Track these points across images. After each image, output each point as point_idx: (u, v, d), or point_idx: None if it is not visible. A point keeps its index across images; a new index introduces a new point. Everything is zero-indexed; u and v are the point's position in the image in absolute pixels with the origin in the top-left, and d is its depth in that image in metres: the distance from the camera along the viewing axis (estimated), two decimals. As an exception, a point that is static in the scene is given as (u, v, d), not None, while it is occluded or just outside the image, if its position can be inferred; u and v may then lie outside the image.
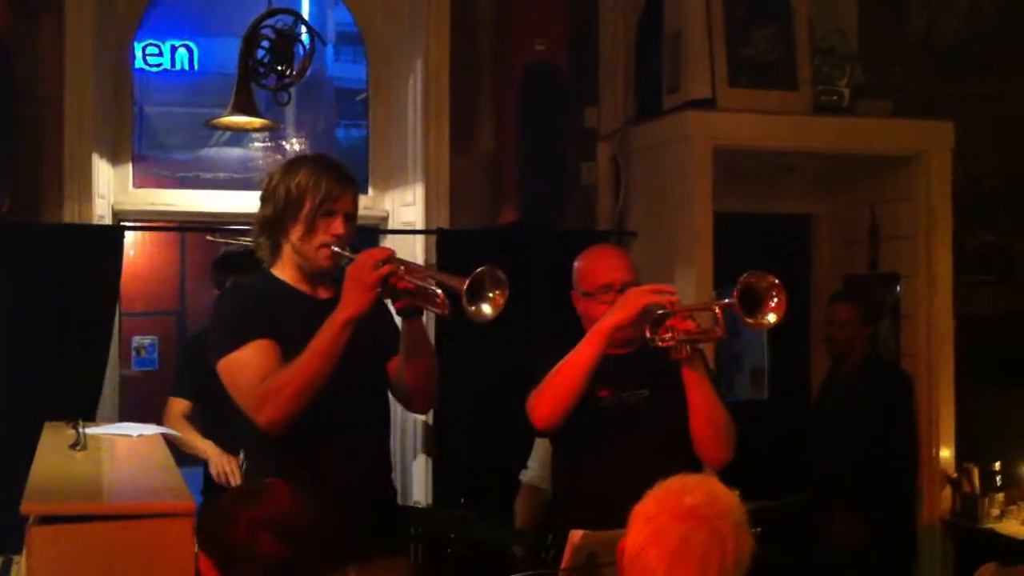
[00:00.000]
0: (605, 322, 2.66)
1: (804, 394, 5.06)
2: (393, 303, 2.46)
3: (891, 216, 4.81)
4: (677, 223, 4.43)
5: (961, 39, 5.11)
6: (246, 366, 2.42)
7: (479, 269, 2.32)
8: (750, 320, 2.55)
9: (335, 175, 2.56)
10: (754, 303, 2.55)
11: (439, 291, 2.37)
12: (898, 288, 4.75)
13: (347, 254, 2.48)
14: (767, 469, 3.94)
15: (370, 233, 4.70)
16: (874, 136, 4.62)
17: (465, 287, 2.27)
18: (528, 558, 3.24)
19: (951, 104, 4.80)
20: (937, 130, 4.63)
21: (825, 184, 5.11)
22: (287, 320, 2.48)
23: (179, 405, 4.06)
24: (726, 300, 2.57)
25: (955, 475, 4.56)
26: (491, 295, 2.33)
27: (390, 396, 2.72)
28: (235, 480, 3.81)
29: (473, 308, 2.30)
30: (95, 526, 2.03)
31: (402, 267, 2.41)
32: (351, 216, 2.58)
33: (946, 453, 4.60)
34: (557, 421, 2.67)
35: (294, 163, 2.60)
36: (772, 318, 2.56)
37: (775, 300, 2.55)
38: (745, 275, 2.55)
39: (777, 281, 2.55)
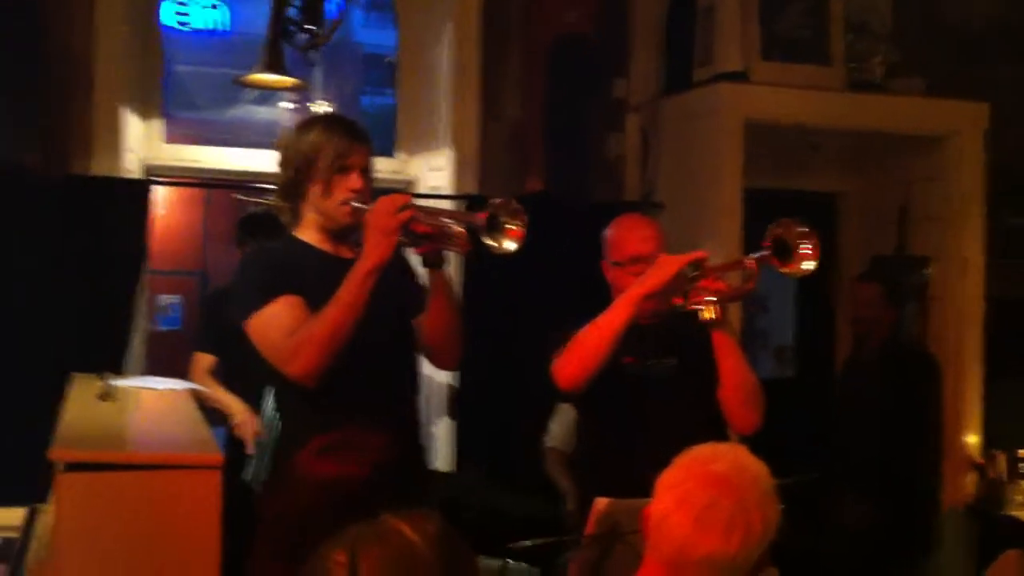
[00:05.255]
0: (638, 288, 2.64)
1: (829, 373, 5.04)
2: (415, 250, 2.46)
3: (921, 197, 4.77)
4: (705, 197, 4.40)
5: (997, 18, 5.05)
6: (274, 321, 2.43)
7: (494, 201, 2.31)
8: (785, 269, 2.52)
9: (346, 131, 2.56)
10: (786, 253, 2.53)
11: (459, 229, 2.36)
12: (926, 271, 4.72)
13: (367, 207, 2.49)
14: (790, 447, 3.92)
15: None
16: (907, 115, 4.58)
17: (484, 220, 2.27)
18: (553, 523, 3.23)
19: (986, 85, 4.74)
20: (971, 110, 4.59)
21: (854, 163, 5.07)
22: (312, 280, 2.49)
23: (204, 360, 4.08)
24: (758, 254, 2.55)
25: (981, 460, 4.54)
26: (510, 227, 2.33)
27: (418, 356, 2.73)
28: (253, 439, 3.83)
29: (494, 242, 2.30)
30: (123, 475, 2.05)
31: (421, 212, 2.41)
32: (367, 170, 2.58)
33: (972, 438, 4.58)
34: (581, 383, 2.66)
35: (304, 125, 2.61)
36: (807, 265, 2.53)
37: (808, 247, 2.53)
38: (774, 225, 2.53)
39: (806, 228, 2.53)
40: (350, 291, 2.37)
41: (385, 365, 2.53)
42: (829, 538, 4.35)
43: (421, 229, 2.41)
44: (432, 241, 2.44)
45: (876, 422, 4.40)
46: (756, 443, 2.70)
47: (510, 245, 2.33)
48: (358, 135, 2.59)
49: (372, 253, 2.38)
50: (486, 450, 4.07)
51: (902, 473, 4.38)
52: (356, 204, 2.52)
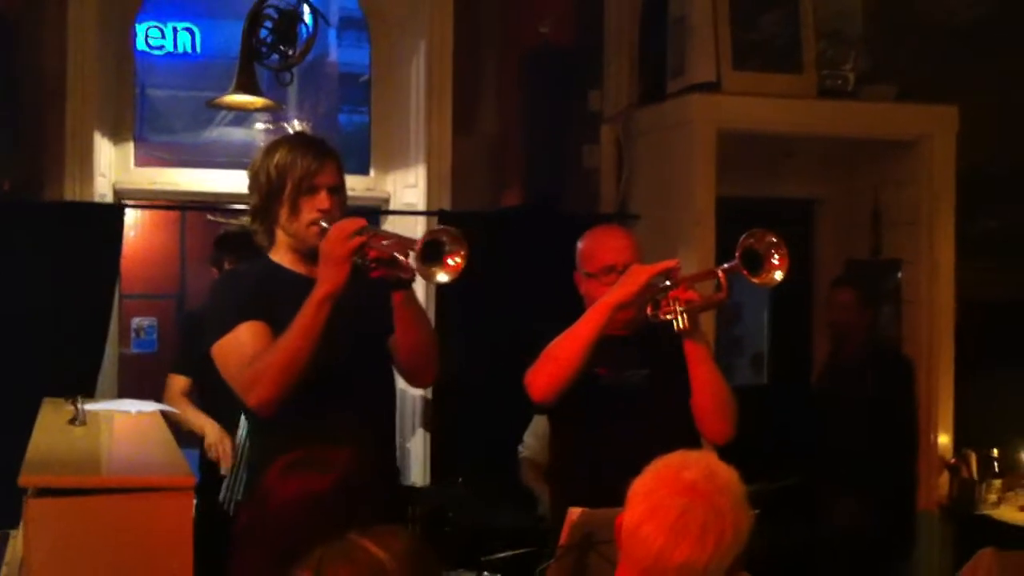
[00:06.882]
0: (609, 298, 2.64)
1: (804, 379, 5.05)
2: (369, 275, 2.44)
3: (894, 201, 4.79)
4: (679, 207, 4.41)
5: (967, 23, 5.08)
6: (236, 349, 2.43)
7: (434, 229, 2.29)
8: (756, 280, 2.52)
9: (311, 150, 2.54)
10: (757, 263, 2.53)
11: (404, 258, 2.33)
12: (899, 274, 4.74)
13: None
14: (766, 453, 3.91)
15: (371, 215, 4.69)
16: (878, 120, 4.61)
17: (418, 249, 2.24)
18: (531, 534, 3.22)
19: (956, 89, 4.76)
20: (942, 115, 4.61)
21: (828, 169, 5.09)
22: (285, 303, 2.46)
23: (178, 382, 4.08)
24: (728, 264, 2.56)
25: (953, 461, 4.55)
26: (448, 260, 2.27)
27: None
28: (226, 462, 3.82)
29: (426, 271, 2.26)
30: (94, 499, 2.03)
31: (374, 237, 2.38)
32: (335, 189, 2.56)
33: (944, 439, 4.59)
34: (554, 394, 2.66)
35: (271, 147, 2.59)
36: (778, 275, 2.53)
37: (777, 257, 2.53)
38: (745, 236, 2.54)
39: (777, 239, 2.54)
40: (304, 320, 2.35)
41: (353, 384, 2.51)
42: (812, 540, 4.36)
43: (373, 255, 2.38)
44: (384, 267, 2.41)
45: (858, 425, 4.42)
46: (731, 450, 2.72)
47: (442, 277, 2.27)
48: (325, 154, 2.56)
49: (325, 281, 2.36)
50: (463, 462, 4.06)
51: (885, 474, 4.39)
52: (324, 224, 2.50)
